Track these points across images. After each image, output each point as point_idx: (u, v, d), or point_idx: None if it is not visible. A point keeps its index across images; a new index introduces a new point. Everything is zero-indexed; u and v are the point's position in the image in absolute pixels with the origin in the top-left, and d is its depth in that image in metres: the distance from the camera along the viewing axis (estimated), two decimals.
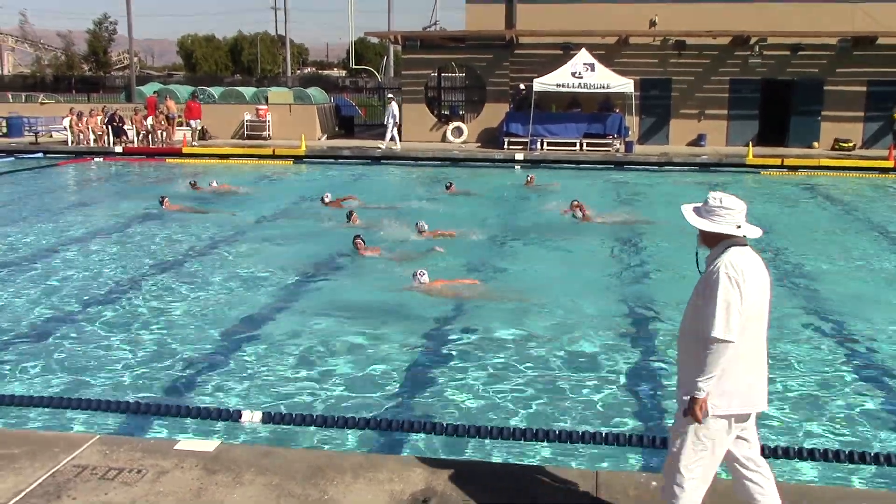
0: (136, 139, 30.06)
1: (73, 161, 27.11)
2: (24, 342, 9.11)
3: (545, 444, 6.29)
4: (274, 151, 28.08)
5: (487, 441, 6.39)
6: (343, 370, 8.22)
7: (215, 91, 37.90)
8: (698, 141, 30.19)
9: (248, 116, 33.01)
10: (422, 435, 6.49)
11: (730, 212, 4.23)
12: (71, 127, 29.66)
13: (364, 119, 40.26)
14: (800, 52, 29.51)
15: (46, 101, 41.18)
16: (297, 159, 27.43)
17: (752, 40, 29.56)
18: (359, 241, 12.91)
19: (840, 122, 29.61)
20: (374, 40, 77.14)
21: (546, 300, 10.68)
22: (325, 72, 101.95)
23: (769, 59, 29.81)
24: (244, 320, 9.88)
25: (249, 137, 32.50)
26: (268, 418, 6.50)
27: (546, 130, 29.03)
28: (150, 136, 30.32)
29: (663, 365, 8.42)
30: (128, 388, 7.75)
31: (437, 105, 34.21)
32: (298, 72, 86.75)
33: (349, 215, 15.47)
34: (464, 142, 30.85)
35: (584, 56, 28.35)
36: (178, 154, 28.20)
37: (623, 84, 28.15)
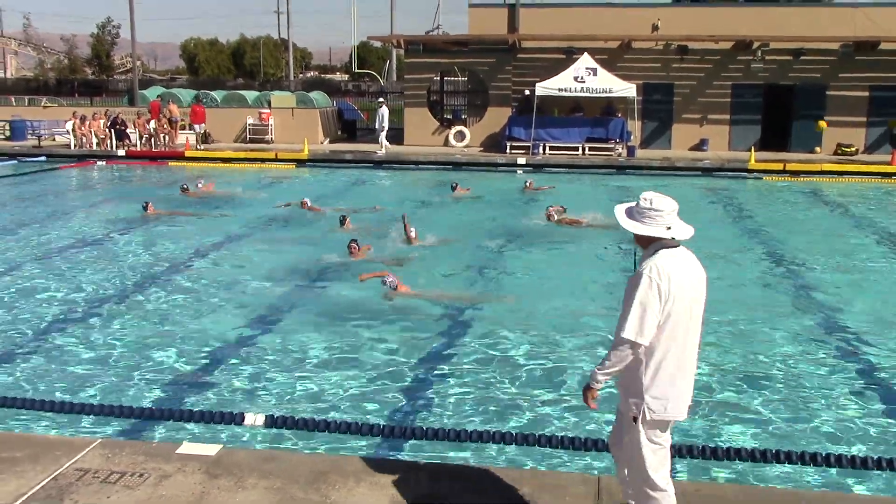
0: (138, 142, 30.08)
1: (75, 164, 27.16)
2: (26, 346, 9.12)
3: (547, 448, 6.28)
4: (276, 155, 28.12)
5: (490, 445, 6.38)
6: (343, 374, 8.22)
7: (218, 95, 37.94)
8: (700, 145, 30.19)
9: (250, 120, 33.04)
10: (424, 440, 6.48)
11: (660, 213, 4.16)
12: (74, 130, 29.69)
13: (367, 123, 40.27)
14: (802, 57, 29.52)
15: (49, 104, 41.22)
16: (300, 163, 27.46)
17: (755, 45, 29.58)
18: (353, 245, 12.90)
19: (842, 126, 29.57)
20: (377, 44, 77.14)
21: (538, 304, 10.68)
22: (328, 76, 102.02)
23: (771, 64, 29.82)
24: (244, 324, 9.89)
25: (252, 141, 32.52)
26: (270, 422, 6.49)
27: (548, 135, 29.05)
28: (152, 140, 30.34)
29: None
30: (130, 391, 7.76)
31: (439, 109, 34.23)
32: (301, 75, 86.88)
33: (342, 220, 15.45)
34: (466, 146, 30.87)
35: (586, 60, 28.36)
36: (181, 157, 28.23)
37: (625, 88, 28.16)
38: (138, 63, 45.35)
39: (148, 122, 30.42)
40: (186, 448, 5.73)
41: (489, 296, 11.42)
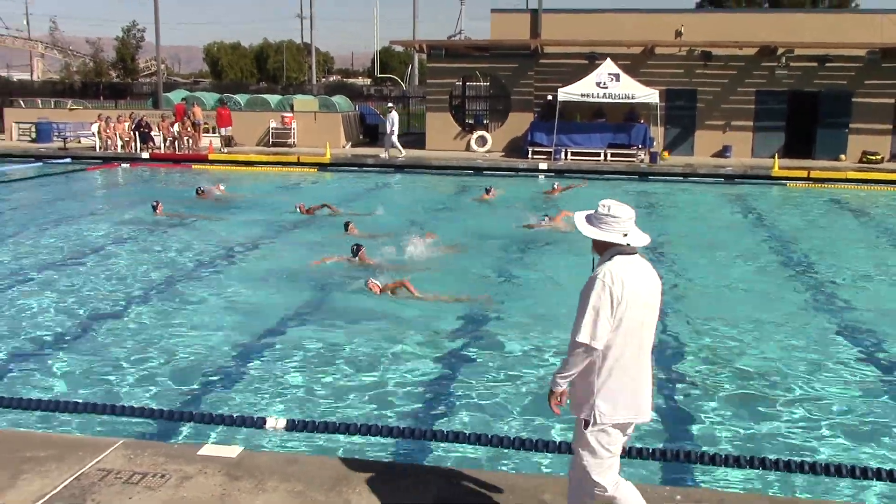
0: (162, 145, 30.31)
1: (100, 167, 27.40)
2: (50, 347, 9.20)
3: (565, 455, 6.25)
4: (299, 159, 28.24)
5: (509, 451, 6.36)
6: (364, 377, 8.23)
7: (241, 98, 38.17)
8: (723, 152, 30.01)
9: (273, 124, 33.21)
10: (444, 444, 6.48)
11: (616, 220, 4.21)
12: (99, 133, 29.97)
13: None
14: (827, 64, 29.27)
15: (75, 107, 41.60)
16: (322, 167, 27.56)
17: (779, 51, 29.37)
18: (360, 249, 12.87)
19: (868, 134, 29.31)
20: (399, 49, 77.46)
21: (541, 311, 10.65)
22: (350, 80, 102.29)
23: (796, 71, 29.60)
24: (262, 327, 9.91)
25: (275, 145, 32.69)
26: (291, 425, 6.50)
27: (570, 140, 28.99)
28: (176, 143, 30.56)
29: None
30: (152, 393, 7.80)
31: (461, 114, 34.26)
32: (323, 80, 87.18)
33: (346, 225, 15.39)
34: (488, 151, 30.87)
35: (609, 66, 28.28)
36: (204, 160, 28.42)
37: (648, 94, 28.06)
38: (162, 66, 45.74)
39: (172, 124, 30.64)
40: (208, 450, 5.75)
41: (477, 297, 11.37)
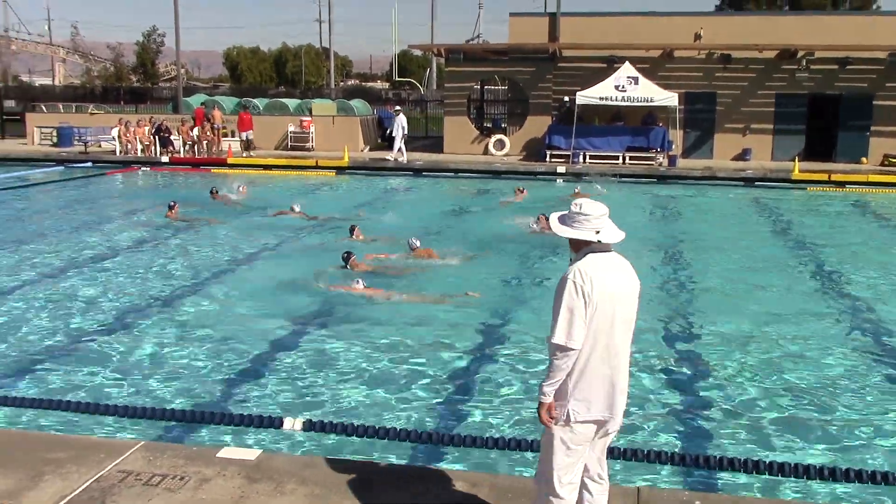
0: (182, 149, 30.49)
1: (120, 170, 27.59)
2: (69, 348, 9.27)
3: None
4: (317, 163, 28.32)
5: (530, 455, 6.35)
6: (380, 380, 8.24)
7: (260, 102, 38.34)
8: (743, 155, 29.85)
9: (291, 128, 33.33)
10: (463, 448, 6.47)
11: (587, 217, 4.20)
12: (119, 137, 30.18)
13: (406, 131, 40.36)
14: (848, 66, 29.05)
15: (96, 111, 41.91)
16: (340, 170, 27.62)
17: (799, 54, 29.17)
18: (353, 258, 12.70)
19: (890, 137, 29.05)
20: (418, 53, 77.53)
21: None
22: (369, 84, 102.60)
23: (816, 74, 29.38)
24: (275, 330, 9.94)
25: (293, 149, 32.80)
26: (309, 426, 6.52)
27: (589, 143, 28.91)
28: (195, 147, 30.73)
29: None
30: (171, 394, 7.84)
31: (480, 118, 34.24)
32: (342, 84, 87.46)
33: (352, 230, 15.27)
34: (506, 154, 30.84)
35: (627, 69, 28.19)
36: (224, 164, 28.56)
37: (667, 98, 27.95)
38: (182, 71, 46.02)
39: (191, 128, 30.81)
40: (226, 452, 5.78)
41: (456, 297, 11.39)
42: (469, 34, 67.52)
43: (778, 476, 5.86)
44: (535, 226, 15.91)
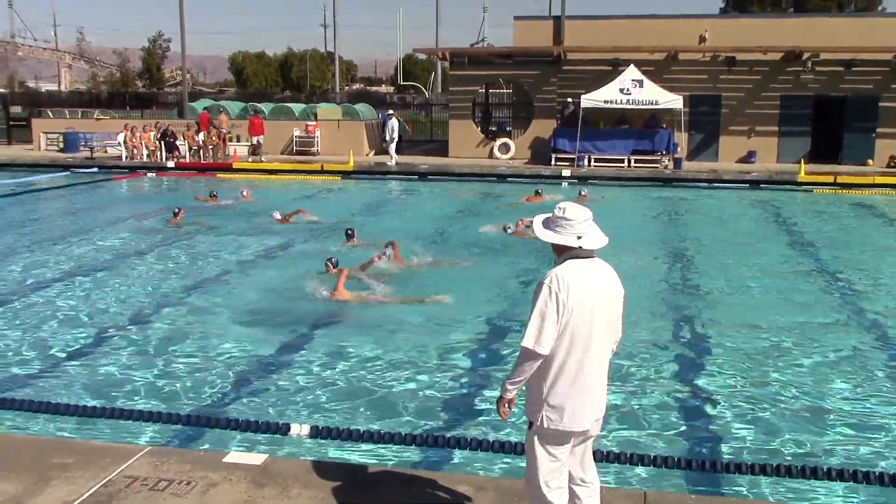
0: (187, 154, 30.56)
1: (126, 176, 27.67)
2: (76, 353, 9.29)
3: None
4: (322, 167, 28.37)
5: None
6: (385, 385, 8.24)
7: (265, 107, 38.44)
8: (748, 158, 29.82)
9: (297, 132, 33.39)
10: (467, 451, 6.47)
11: (570, 223, 4.13)
12: (125, 142, 30.26)
13: (411, 135, 40.47)
14: (853, 68, 29.02)
15: (101, 116, 42.09)
16: (345, 175, 27.67)
17: (804, 56, 29.13)
18: (328, 263, 12.57)
19: None
20: (422, 56, 77.66)
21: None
22: (374, 88, 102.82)
23: (822, 75, 29.35)
24: (281, 335, 9.96)
25: (298, 153, 32.85)
26: (315, 432, 6.52)
27: (594, 147, 28.91)
28: (201, 152, 30.79)
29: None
30: (177, 399, 7.86)
31: (485, 121, 34.26)
32: (347, 88, 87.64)
33: (349, 234, 15.20)
34: (511, 158, 30.85)
35: (632, 72, 28.18)
36: (229, 169, 28.62)
37: (672, 100, 27.93)
38: (188, 76, 46.11)
39: (197, 133, 30.88)
40: (233, 457, 5.79)
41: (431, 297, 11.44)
42: (474, 38, 67.54)
43: (786, 478, 5.84)
44: (510, 229, 16.06)
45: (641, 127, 29.50)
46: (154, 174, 28.07)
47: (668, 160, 28.13)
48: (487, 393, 8.02)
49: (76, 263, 14.12)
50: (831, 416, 7.53)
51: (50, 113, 46.39)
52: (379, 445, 6.58)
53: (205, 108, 35.80)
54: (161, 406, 7.59)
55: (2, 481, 5.32)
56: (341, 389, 8.13)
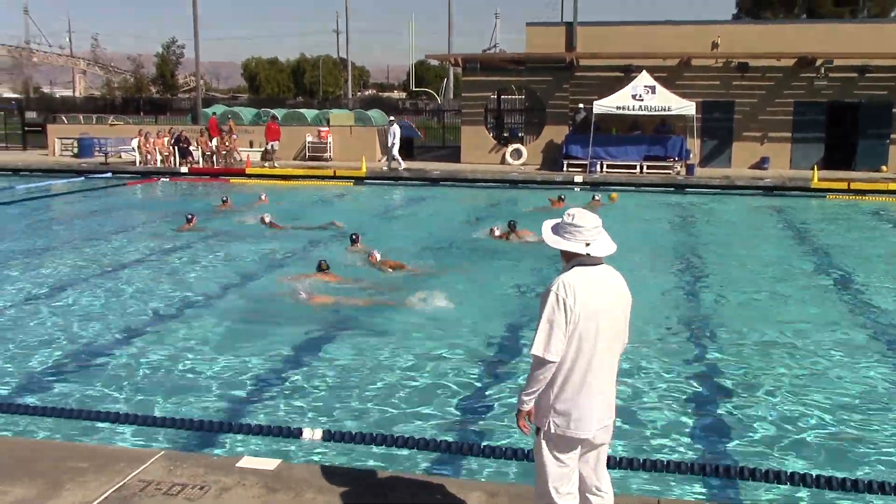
0: (201, 160, 30.68)
1: (140, 181, 27.80)
2: (91, 358, 9.33)
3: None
4: (335, 173, 28.43)
5: None
6: (400, 388, 8.24)
7: (278, 113, 38.58)
8: (761, 164, 29.72)
9: (309, 138, 33.48)
10: (480, 458, 6.46)
11: (579, 229, 4.12)
12: (139, 148, 30.43)
13: (423, 141, 40.53)
14: (867, 74, 28.90)
15: (116, 122, 42.32)
16: (358, 181, 27.71)
17: (818, 62, 29.05)
18: (323, 264, 12.74)
19: None
20: (435, 63, 77.70)
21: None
22: (386, 94, 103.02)
23: (835, 81, 29.24)
24: (289, 339, 9.97)
25: (311, 159, 32.95)
26: (328, 436, 6.53)
27: (606, 153, 28.87)
28: (213, 157, 30.91)
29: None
30: (191, 404, 7.87)
31: (497, 127, 34.27)
32: (359, 94, 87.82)
33: (353, 239, 15.24)
34: (523, 164, 30.85)
35: (644, 78, 28.16)
36: (242, 174, 28.72)
37: (684, 106, 27.88)
38: (201, 82, 46.33)
39: (210, 139, 31.01)
40: (246, 462, 5.80)
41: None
42: (486, 44, 67.56)
43: (799, 486, 5.81)
44: (497, 231, 16.14)
45: (653, 133, 29.44)
46: (167, 179, 28.21)
47: (681, 166, 28.07)
48: (503, 397, 8.02)
49: (90, 268, 14.15)
50: (853, 428, 7.49)
51: (65, 118, 46.70)
52: (392, 449, 6.57)
53: (213, 113, 35.91)
54: (176, 411, 7.62)
55: (16, 486, 5.35)
56: (351, 394, 8.14)
